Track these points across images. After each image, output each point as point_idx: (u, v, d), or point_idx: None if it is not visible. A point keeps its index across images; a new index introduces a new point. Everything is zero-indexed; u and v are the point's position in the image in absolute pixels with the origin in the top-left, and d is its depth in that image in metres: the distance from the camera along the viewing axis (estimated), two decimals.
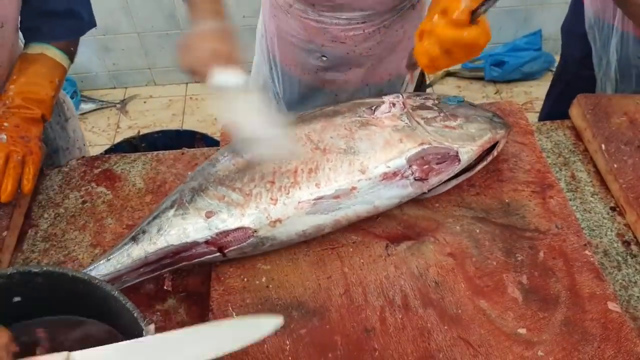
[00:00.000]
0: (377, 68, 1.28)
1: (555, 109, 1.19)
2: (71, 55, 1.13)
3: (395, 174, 0.87)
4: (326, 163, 0.87)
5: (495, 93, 2.86)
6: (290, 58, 1.31)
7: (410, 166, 0.88)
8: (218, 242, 0.84)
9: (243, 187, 0.86)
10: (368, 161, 0.88)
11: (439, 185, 0.92)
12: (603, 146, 1.04)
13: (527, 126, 1.08)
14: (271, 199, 0.84)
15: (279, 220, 0.84)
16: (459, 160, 0.91)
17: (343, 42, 1.21)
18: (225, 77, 0.83)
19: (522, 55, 2.83)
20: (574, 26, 1.52)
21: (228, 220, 0.84)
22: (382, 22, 1.18)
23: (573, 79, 1.57)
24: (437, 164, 0.90)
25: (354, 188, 0.86)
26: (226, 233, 0.84)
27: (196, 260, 0.85)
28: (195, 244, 0.84)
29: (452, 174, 0.92)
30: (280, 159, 0.88)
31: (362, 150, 0.89)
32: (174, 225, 0.84)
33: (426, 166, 0.89)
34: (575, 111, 1.14)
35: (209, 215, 0.84)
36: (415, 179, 0.88)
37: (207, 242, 0.84)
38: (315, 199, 0.85)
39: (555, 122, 1.17)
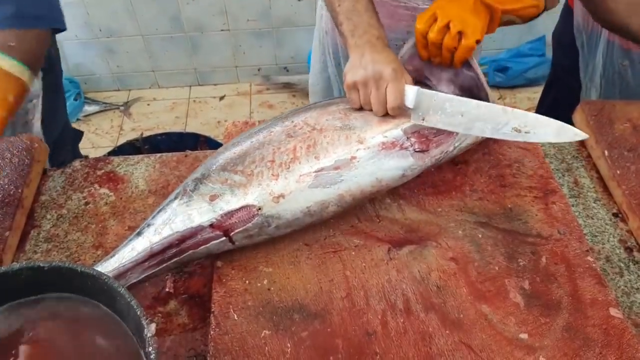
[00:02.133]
0: None
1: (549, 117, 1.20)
2: (33, 66, 0.98)
3: (393, 144, 0.89)
4: (324, 139, 0.89)
5: (499, 99, 2.86)
6: None
7: (408, 138, 0.90)
8: (223, 225, 0.84)
9: (245, 169, 0.87)
10: (365, 134, 0.89)
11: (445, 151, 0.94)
12: (606, 152, 1.04)
13: None
14: (272, 174, 0.85)
15: (282, 196, 0.84)
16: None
17: None
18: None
19: (525, 61, 2.83)
20: (563, 35, 1.52)
21: (232, 200, 0.84)
22: None
23: (564, 89, 1.57)
24: (435, 135, 0.92)
25: (353, 157, 0.87)
26: (231, 214, 0.84)
27: (202, 247, 0.84)
28: (200, 228, 0.83)
29: (453, 146, 0.93)
30: (279, 142, 0.89)
31: (357, 126, 0.91)
32: (178, 213, 0.84)
33: (424, 139, 0.90)
34: (578, 117, 1.14)
35: (212, 198, 0.84)
36: (416, 151, 0.89)
37: (212, 226, 0.84)
38: (316, 171, 0.86)
39: None
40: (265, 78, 2.98)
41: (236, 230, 0.84)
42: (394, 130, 0.90)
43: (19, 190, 0.99)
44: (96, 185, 1.06)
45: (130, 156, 1.12)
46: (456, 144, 0.94)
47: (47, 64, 1.20)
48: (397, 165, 0.89)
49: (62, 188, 1.06)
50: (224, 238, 0.84)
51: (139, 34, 2.75)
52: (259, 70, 2.97)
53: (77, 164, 1.10)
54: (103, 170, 1.09)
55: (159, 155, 1.12)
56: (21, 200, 0.98)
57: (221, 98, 2.95)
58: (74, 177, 1.08)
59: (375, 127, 0.90)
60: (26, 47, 0.98)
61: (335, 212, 0.89)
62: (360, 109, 0.93)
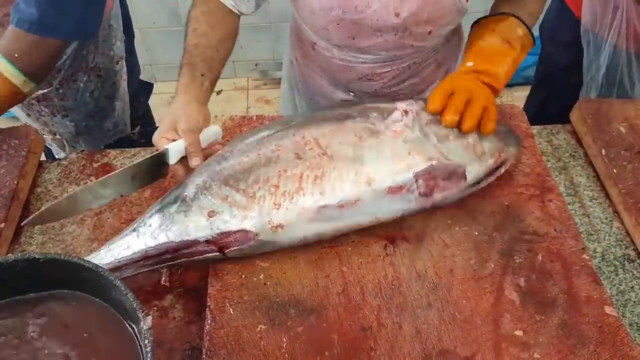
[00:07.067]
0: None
1: (539, 115, 1.19)
2: (35, 75, 1.00)
3: (401, 187, 0.87)
4: (332, 171, 0.87)
5: (496, 97, 2.86)
6: (317, 90, 1.29)
7: (416, 180, 0.87)
8: (219, 242, 0.84)
9: (247, 189, 0.85)
10: (375, 173, 0.87)
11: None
12: (603, 151, 1.04)
13: (527, 130, 1.08)
14: (274, 203, 0.84)
15: (281, 226, 0.84)
16: (465, 178, 0.91)
17: (370, 79, 1.18)
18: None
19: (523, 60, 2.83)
20: (559, 33, 1.50)
21: (230, 221, 0.83)
22: (412, 60, 1.15)
23: (558, 86, 1.56)
24: (444, 180, 0.89)
25: (357, 200, 0.86)
26: (227, 234, 0.83)
27: (196, 257, 0.85)
28: (196, 242, 0.83)
29: (457, 193, 0.91)
30: (286, 162, 0.87)
31: (369, 160, 0.88)
32: (175, 221, 0.84)
33: (432, 181, 0.88)
34: (576, 116, 1.14)
35: (211, 214, 0.84)
36: (420, 194, 0.88)
37: (207, 242, 0.83)
38: (319, 207, 0.84)
39: (556, 126, 1.17)
40: (263, 73, 2.97)
41: (231, 248, 0.84)
42: (405, 174, 0.87)
43: (15, 182, 0.98)
44: (92, 178, 1.06)
45: (127, 149, 1.12)
46: (463, 192, 0.92)
47: (124, 28, 1.33)
48: (399, 208, 0.89)
49: (57, 180, 1.06)
50: (218, 253, 0.84)
51: (136, 27, 2.73)
52: (256, 65, 2.97)
53: (73, 156, 1.10)
54: (99, 163, 1.09)
55: (155, 148, 1.11)
56: (16, 192, 0.98)
57: (218, 93, 2.94)
58: (70, 170, 1.07)
59: (388, 164, 0.88)
60: (33, 57, 1.01)
61: (329, 239, 0.89)
62: None
